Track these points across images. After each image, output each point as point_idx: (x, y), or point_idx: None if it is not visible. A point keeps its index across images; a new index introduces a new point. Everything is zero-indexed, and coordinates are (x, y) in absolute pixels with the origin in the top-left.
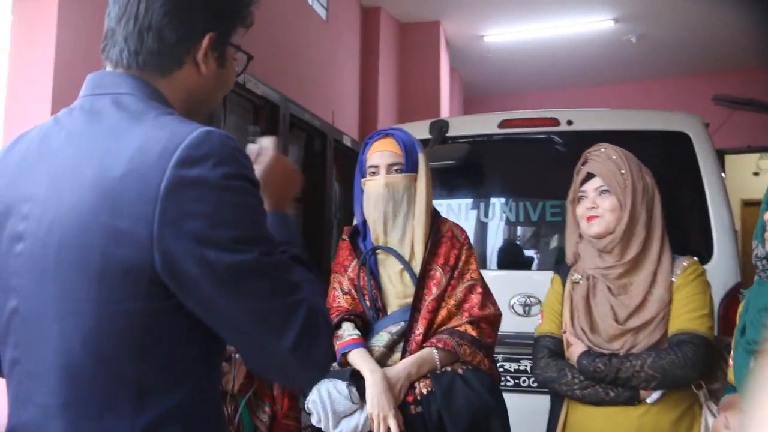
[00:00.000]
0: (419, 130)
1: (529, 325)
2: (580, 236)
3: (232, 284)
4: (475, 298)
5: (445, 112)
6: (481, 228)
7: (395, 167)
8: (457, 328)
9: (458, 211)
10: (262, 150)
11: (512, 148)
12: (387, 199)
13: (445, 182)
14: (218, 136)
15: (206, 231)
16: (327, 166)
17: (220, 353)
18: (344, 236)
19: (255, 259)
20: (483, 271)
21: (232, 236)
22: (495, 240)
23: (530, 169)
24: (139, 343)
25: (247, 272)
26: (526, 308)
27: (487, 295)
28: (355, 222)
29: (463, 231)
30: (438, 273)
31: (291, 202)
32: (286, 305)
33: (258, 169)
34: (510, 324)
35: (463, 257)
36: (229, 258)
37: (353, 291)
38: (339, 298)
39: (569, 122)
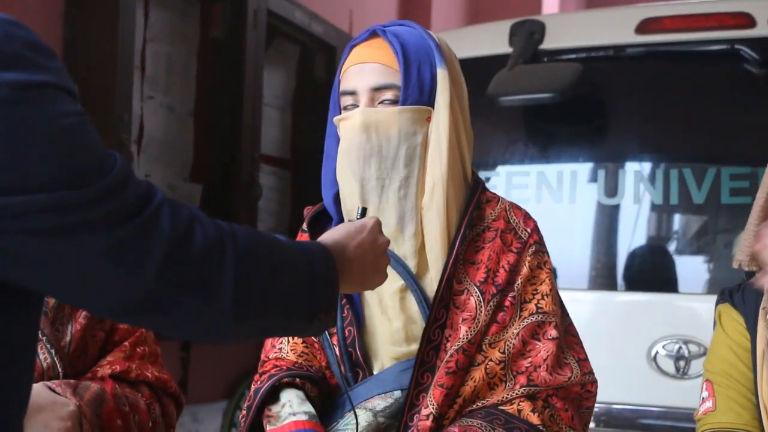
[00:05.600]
0: (493, 37)
1: (687, 397)
2: None
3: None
4: (544, 350)
5: (546, 7)
6: (602, 216)
7: (386, 94)
8: (503, 408)
9: (557, 184)
10: (362, 227)
11: (662, 72)
12: (367, 154)
13: (535, 133)
14: None
15: None
16: None
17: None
18: (304, 225)
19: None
20: (598, 294)
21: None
22: (626, 237)
23: (694, 109)
24: None
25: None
26: (681, 363)
27: (568, 346)
28: (323, 196)
29: (528, 218)
30: (473, 298)
31: (372, 287)
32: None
33: (351, 245)
34: (650, 393)
35: (524, 268)
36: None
37: None
38: (281, 345)
39: None
